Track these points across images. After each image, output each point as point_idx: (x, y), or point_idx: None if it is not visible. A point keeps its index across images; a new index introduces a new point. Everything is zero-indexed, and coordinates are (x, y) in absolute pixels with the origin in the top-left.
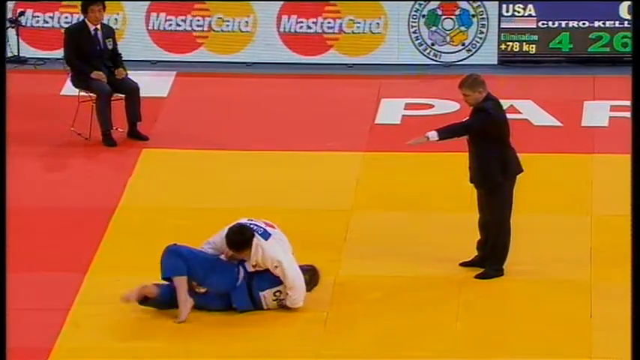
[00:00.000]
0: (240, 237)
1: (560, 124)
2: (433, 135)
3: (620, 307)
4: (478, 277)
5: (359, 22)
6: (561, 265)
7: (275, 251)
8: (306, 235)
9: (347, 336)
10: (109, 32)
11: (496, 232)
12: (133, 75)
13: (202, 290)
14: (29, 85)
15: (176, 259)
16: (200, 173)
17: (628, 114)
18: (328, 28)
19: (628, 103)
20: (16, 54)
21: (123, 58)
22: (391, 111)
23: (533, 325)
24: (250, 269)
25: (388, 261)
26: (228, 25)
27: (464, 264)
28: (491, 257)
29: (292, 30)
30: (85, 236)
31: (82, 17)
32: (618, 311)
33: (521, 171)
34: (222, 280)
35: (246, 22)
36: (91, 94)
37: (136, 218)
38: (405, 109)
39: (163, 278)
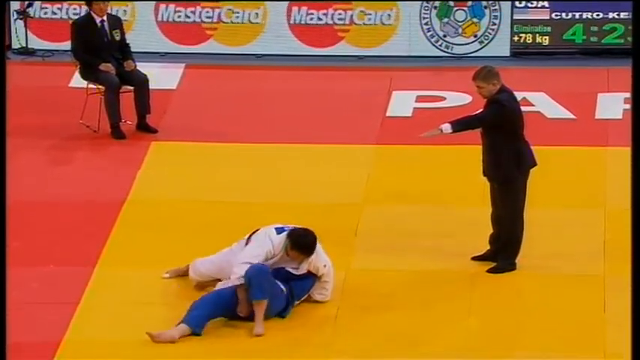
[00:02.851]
0: (313, 239)
1: (573, 116)
2: (447, 127)
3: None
4: (491, 271)
5: (370, 14)
6: (575, 259)
7: (323, 251)
8: (317, 229)
9: (358, 331)
10: (115, 23)
11: (509, 225)
12: (142, 67)
13: (242, 315)
14: (37, 77)
15: (265, 283)
16: (210, 166)
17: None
18: (339, 19)
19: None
20: (24, 45)
21: (131, 50)
22: (402, 103)
23: (547, 320)
24: (302, 272)
25: (399, 255)
26: (237, 17)
27: (476, 258)
28: (504, 251)
29: (303, 21)
30: (93, 229)
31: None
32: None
33: (535, 164)
34: (279, 301)
35: (256, 13)
36: (100, 87)
37: (145, 211)
38: (416, 101)
39: (255, 298)
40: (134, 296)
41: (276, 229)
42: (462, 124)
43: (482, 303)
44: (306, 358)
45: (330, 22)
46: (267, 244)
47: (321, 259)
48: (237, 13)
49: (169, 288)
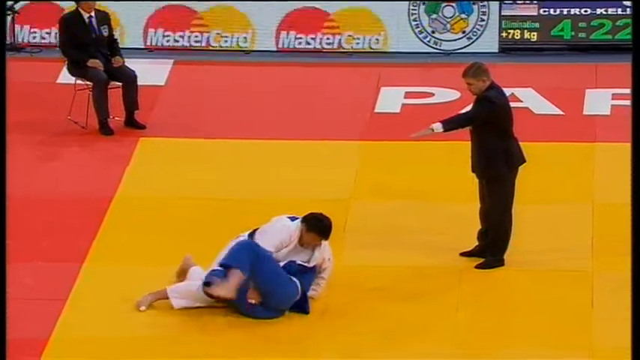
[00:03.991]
0: (329, 222)
1: (561, 112)
2: (437, 127)
3: (622, 297)
4: (479, 267)
5: (358, 38)
6: (562, 255)
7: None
8: None
9: (346, 327)
10: (104, 19)
11: (497, 221)
12: (130, 63)
13: (253, 301)
14: (25, 73)
15: (247, 255)
16: (198, 162)
17: (630, 102)
18: (327, 44)
19: (630, 91)
20: (12, 41)
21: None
22: (391, 100)
23: (534, 315)
24: (314, 263)
25: (387, 251)
26: (226, 41)
27: (464, 254)
28: (492, 247)
29: (291, 45)
30: (81, 226)
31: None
32: (619, 301)
33: (524, 161)
34: (290, 295)
35: (245, 37)
36: (88, 83)
37: (133, 208)
38: (404, 97)
39: (221, 264)
40: (122, 293)
41: (288, 217)
42: (453, 123)
43: (471, 299)
44: (296, 354)
45: (319, 46)
46: (284, 232)
47: (326, 252)
48: (226, 37)
49: (157, 284)
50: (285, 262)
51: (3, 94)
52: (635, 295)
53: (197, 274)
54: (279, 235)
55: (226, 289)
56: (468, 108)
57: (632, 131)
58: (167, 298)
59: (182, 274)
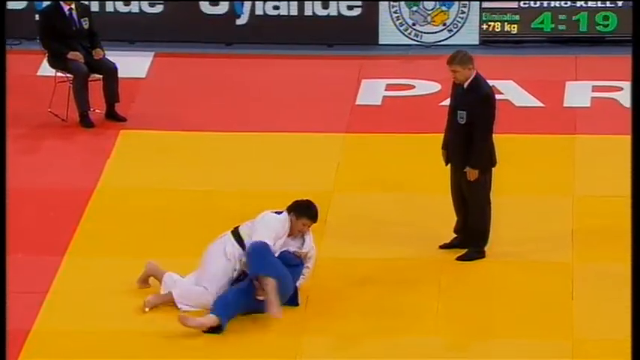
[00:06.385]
0: (315, 205)
1: (542, 104)
2: (473, 170)
3: (602, 289)
4: (459, 258)
5: None
6: (543, 247)
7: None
8: None
9: (327, 318)
10: (84, 11)
11: (478, 214)
12: (111, 55)
13: (261, 298)
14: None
15: (271, 259)
16: (178, 155)
17: (610, 94)
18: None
19: (610, 83)
20: None
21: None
22: (372, 92)
23: (515, 307)
24: (307, 249)
25: (369, 243)
26: None
27: (444, 246)
28: (472, 239)
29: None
30: (62, 218)
31: None
32: (599, 293)
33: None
34: (289, 287)
35: None
36: (68, 75)
37: (114, 200)
38: (385, 90)
39: (253, 274)
40: (103, 285)
41: (272, 212)
42: (479, 155)
43: (451, 290)
44: (279, 343)
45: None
46: (276, 223)
47: (312, 241)
48: None
49: (138, 277)
50: (280, 252)
51: (3, 91)
52: (635, 294)
53: (173, 281)
54: (273, 226)
55: (276, 306)
56: (447, 101)
57: (632, 130)
58: (173, 303)
59: (145, 282)
